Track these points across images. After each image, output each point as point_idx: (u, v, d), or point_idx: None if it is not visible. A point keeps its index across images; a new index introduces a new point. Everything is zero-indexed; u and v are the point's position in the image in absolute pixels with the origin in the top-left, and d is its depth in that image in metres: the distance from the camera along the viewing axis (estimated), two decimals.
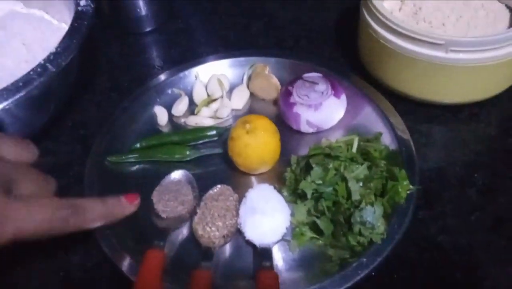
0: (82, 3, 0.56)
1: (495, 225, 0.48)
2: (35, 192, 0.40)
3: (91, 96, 0.66)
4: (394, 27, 0.53)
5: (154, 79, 0.63)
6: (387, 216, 0.46)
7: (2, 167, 0.38)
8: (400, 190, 0.47)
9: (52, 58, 0.49)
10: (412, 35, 0.52)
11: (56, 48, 0.50)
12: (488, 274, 0.45)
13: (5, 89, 0.46)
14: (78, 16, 0.54)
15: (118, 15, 0.74)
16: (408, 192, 0.47)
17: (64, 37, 0.51)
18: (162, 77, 0.63)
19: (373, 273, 0.44)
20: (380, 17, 0.54)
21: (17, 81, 0.47)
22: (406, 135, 0.54)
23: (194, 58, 0.66)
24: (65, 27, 0.62)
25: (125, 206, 0.45)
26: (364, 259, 0.44)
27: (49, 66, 0.48)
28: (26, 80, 0.47)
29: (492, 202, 0.50)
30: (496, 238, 0.47)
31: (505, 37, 0.50)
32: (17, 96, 0.46)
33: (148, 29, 0.75)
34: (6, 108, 0.47)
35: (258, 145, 0.50)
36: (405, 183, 0.47)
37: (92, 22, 0.55)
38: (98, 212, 0.42)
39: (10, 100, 0.46)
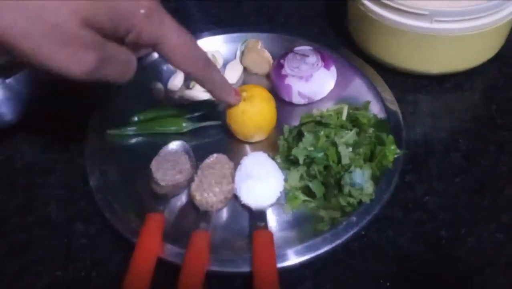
0: None
1: (478, 186, 0.51)
2: None
3: None
4: None
5: (149, 56, 0.65)
6: (376, 179, 0.48)
7: None
8: (387, 154, 0.49)
9: None
10: (398, 6, 0.54)
11: None
12: (471, 231, 0.47)
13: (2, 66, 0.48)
14: None
15: None
16: (396, 156, 0.50)
17: None
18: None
19: (362, 232, 0.47)
20: None
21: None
22: (393, 105, 0.56)
23: None
24: None
25: (232, 93, 0.51)
26: (354, 218, 0.46)
27: None
28: None
29: (475, 165, 0.52)
30: (479, 199, 0.50)
31: (487, 7, 0.52)
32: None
33: None
34: (6, 83, 0.49)
35: (254, 111, 0.52)
36: (393, 147, 0.49)
37: None
38: (218, 77, 0.48)
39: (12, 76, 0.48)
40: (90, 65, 0.35)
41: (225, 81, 0.50)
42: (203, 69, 0.45)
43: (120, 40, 0.38)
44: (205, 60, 0.45)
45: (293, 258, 0.44)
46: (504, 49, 0.60)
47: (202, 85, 0.48)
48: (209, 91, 0.49)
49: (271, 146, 0.55)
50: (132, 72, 0.41)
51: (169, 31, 0.40)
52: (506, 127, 0.55)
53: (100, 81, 0.37)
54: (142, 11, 0.37)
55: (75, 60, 0.34)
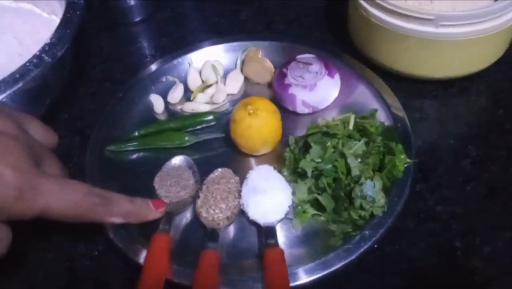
0: None
1: (489, 193, 0.50)
2: (60, 174, 0.41)
3: (85, 88, 0.66)
4: (385, 5, 0.54)
5: (148, 68, 0.63)
6: (386, 189, 0.47)
7: (33, 144, 0.38)
8: (397, 163, 0.48)
9: (48, 49, 0.49)
10: (403, 12, 0.53)
11: (51, 39, 0.50)
12: (486, 240, 0.46)
13: (3, 81, 0.46)
14: (70, 7, 0.54)
15: (107, 7, 0.74)
16: (406, 165, 0.48)
17: (58, 28, 0.51)
18: (156, 65, 0.63)
19: (375, 246, 0.45)
20: None
21: (14, 73, 0.47)
22: (400, 112, 0.55)
23: (185, 45, 0.66)
24: (55, 19, 0.62)
25: (151, 210, 0.46)
26: (367, 232, 0.45)
27: (45, 57, 0.48)
28: (23, 71, 0.47)
29: (485, 171, 0.51)
30: (491, 205, 0.49)
31: (493, 10, 0.51)
32: (15, 88, 0.46)
33: (138, 19, 0.75)
34: (3, 102, 0.47)
35: (260, 125, 0.51)
36: (402, 156, 0.48)
37: (84, 12, 0.55)
38: (125, 208, 0.43)
39: (8, 92, 0.46)
40: None
41: (135, 202, 0.44)
42: (104, 212, 0.41)
43: None
44: (100, 195, 0.40)
45: (304, 277, 0.43)
46: (509, 53, 0.59)
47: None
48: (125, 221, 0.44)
49: (276, 158, 0.54)
50: (4, 249, 0.38)
51: (50, 197, 0.37)
52: None
53: None
54: (11, 193, 0.35)
55: None
